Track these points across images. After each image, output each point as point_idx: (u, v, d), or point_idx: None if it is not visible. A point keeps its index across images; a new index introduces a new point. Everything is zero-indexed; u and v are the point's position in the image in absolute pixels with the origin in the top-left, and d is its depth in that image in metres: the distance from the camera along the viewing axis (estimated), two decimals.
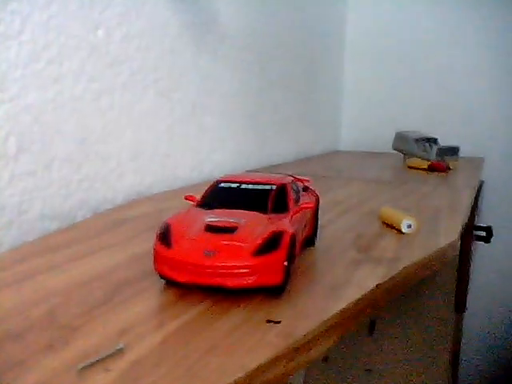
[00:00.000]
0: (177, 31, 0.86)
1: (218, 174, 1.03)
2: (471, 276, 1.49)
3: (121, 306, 0.38)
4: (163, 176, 0.86)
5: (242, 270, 0.37)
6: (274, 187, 0.46)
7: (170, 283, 0.42)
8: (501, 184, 1.63)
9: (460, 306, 0.92)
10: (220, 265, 0.37)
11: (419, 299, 0.77)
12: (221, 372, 0.29)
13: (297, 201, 0.48)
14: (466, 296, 0.96)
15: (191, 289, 0.40)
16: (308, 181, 0.57)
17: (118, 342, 0.32)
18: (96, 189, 0.72)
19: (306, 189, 0.54)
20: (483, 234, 1.34)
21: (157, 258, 0.39)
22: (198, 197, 0.48)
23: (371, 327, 0.85)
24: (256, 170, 1.11)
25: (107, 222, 0.62)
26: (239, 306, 0.38)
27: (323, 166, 1.28)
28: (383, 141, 1.78)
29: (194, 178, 0.95)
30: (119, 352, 0.31)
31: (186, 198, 0.49)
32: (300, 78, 1.40)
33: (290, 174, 0.56)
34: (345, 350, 0.73)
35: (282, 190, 0.46)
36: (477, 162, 1.46)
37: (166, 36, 0.84)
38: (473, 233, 1.23)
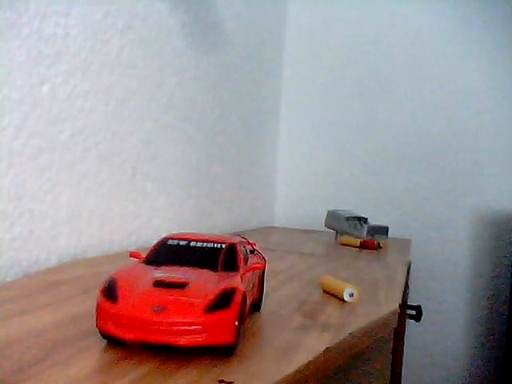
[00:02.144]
0: (122, 95, 0.86)
1: (156, 240, 1.01)
2: (404, 358, 1.50)
3: (59, 366, 0.35)
4: (100, 240, 0.83)
5: (192, 327, 0.35)
6: (224, 246, 0.45)
7: (113, 342, 0.39)
8: (427, 266, 1.69)
9: None
10: (170, 321, 0.35)
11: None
12: None
13: (246, 261, 0.47)
14: (400, 379, 0.96)
15: (136, 349, 0.38)
16: (255, 244, 0.57)
17: None
18: (29, 249, 0.68)
19: (253, 251, 0.53)
20: (413, 312, 1.37)
21: (100, 313, 0.37)
22: (144, 254, 0.46)
23: None
24: None
25: (41, 283, 0.59)
26: (188, 367, 0.36)
27: (260, 238, 1.28)
28: (315, 219, 1.82)
29: (131, 244, 0.92)
30: None
31: (131, 256, 0.47)
32: (238, 153, 1.42)
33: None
34: None
35: (232, 248, 0.45)
36: (404, 243, 1.51)
37: (111, 99, 0.84)
38: (405, 311, 1.25)
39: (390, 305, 0.61)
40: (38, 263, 0.69)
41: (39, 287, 0.57)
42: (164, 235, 1.04)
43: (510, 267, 1.50)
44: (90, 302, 0.51)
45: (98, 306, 0.37)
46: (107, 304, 0.37)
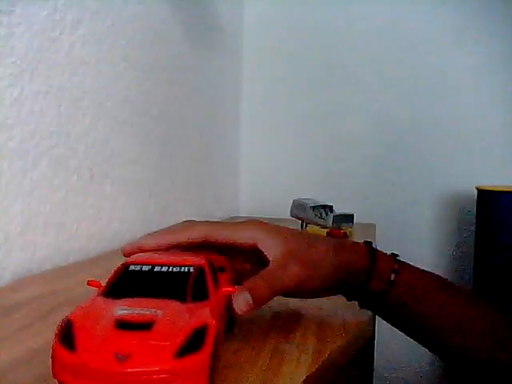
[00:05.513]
0: (75, 95, 0.81)
1: (118, 244, 0.96)
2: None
3: None
4: (57, 250, 0.78)
5: (162, 376, 0.31)
6: (192, 269, 0.42)
7: None
8: (392, 249, 1.69)
9: None
10: (136, 371, 0.31)
11: None
12: None
13: (216, 283, 0.44)
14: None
15: None
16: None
17: None
18: None
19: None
20: None
21: (56, 362, 0.33)
22: (103, 282, 0.42)
23: None
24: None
25: None
26: None
27: None
28: (282, 207, 1.79)
29: (91, 249, 0.87)
30: None
31: (89, 284, 0.43)
32: (199, 146, 1.38)
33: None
34: None
35: (201, 272, 0.42)
36: (370, 228, 1.50)
37: (63, 99, 0.78)
38: None
39: (364, 311, 0.58)
40: None
41: None
42: (120, 246, 0.99)
43: (472, 247, 1.51)
44: (48, 332, 0.47)
45: (54, 354, 0.33)
46: (64, 352, 0.33)
